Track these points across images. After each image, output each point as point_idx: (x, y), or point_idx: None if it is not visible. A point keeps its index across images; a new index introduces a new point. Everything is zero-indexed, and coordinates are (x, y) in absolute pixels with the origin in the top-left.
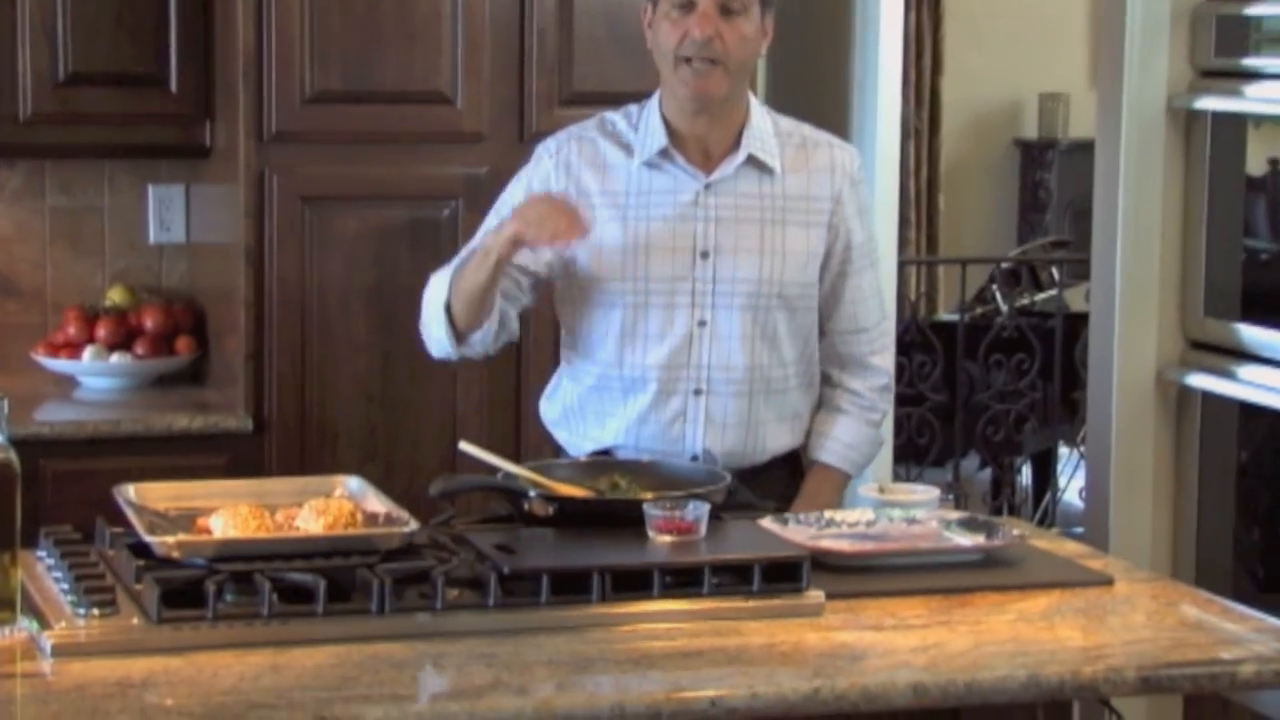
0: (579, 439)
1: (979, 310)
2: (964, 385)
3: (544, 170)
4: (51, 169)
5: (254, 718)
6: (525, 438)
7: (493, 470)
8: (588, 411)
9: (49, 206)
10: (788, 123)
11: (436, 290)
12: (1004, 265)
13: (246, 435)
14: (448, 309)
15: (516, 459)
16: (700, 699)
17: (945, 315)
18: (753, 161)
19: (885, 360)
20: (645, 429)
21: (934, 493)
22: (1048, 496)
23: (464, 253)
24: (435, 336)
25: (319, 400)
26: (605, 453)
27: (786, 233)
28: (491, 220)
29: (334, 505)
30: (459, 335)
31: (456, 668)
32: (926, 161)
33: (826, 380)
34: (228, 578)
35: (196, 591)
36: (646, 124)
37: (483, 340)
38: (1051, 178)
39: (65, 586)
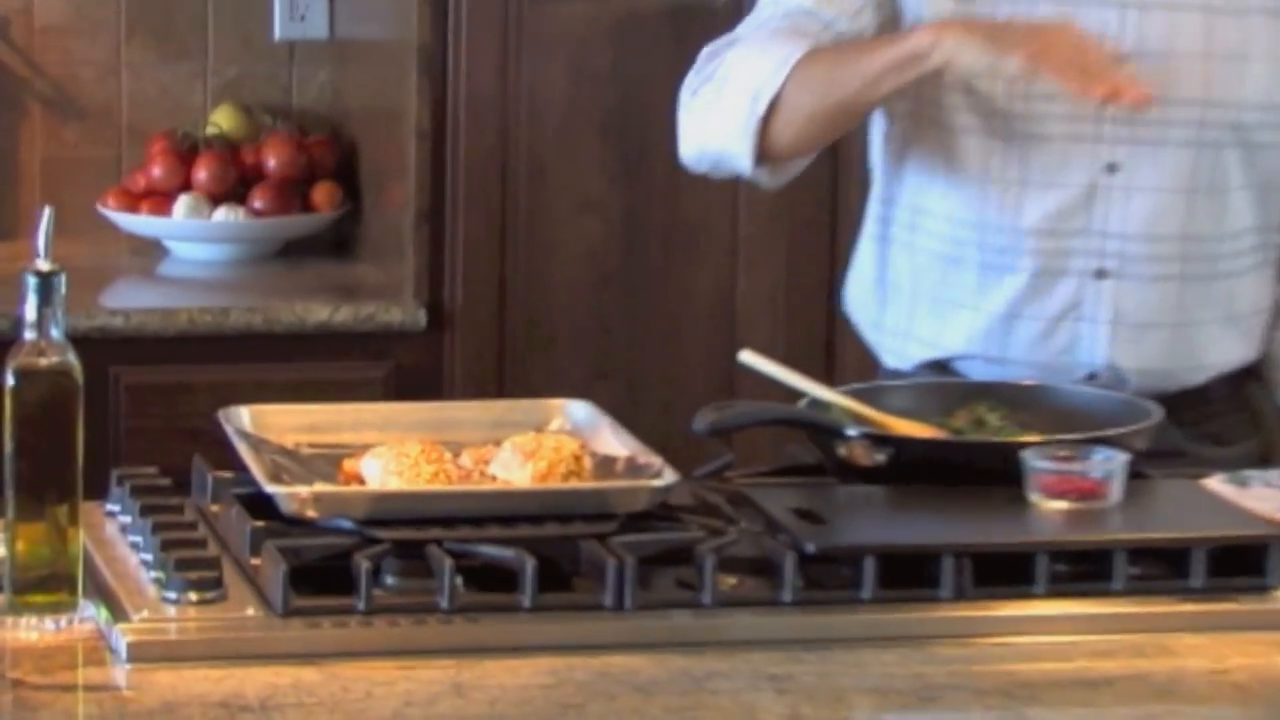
0: (905, 342)
1: None
2: None
3: None
4: None
5: None
6: (842, 346)
7: (791, 395)
8: (920, 300)
9: None
10: None
11: (760, 74)
12: None
13: (418, 334)
14: (770, 108)
15: (828, 379)
16: None
17: None
18: None
19: None
20: (1015, 329)
21: None
22: None
23: (795, 15)
24: (726, 148)
25: (527, 284)
26: (945, 365)
27: (1248, 26)
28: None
29: (549, 445)
30: (772, 153)
31: (733, 694)
32: None
33: None
34: (388, 551)
35: (342, 570)
36: None
37: (793, 171)
38: None
39: (148, 557)
